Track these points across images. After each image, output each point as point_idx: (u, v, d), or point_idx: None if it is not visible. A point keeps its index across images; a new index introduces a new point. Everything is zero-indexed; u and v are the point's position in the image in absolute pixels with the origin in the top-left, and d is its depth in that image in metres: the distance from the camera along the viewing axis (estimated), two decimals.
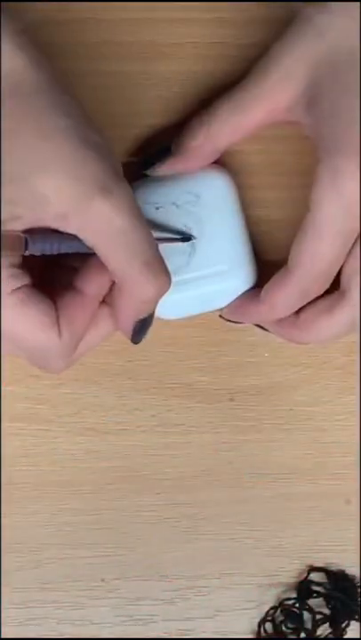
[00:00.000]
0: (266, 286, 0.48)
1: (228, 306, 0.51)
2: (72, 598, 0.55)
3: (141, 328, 0.46)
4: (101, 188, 0.41)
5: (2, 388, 0.53)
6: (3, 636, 0.54)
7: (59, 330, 0.44)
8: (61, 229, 0.42)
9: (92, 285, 0.45)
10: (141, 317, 0.45)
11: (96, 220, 0.42)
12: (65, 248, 0.43)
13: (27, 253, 0.42)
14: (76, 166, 0.41)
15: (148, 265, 0.43)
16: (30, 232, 0.42)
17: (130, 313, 0.45)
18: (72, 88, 0.44)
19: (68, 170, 0.41)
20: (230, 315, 0.51)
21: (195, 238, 0.50)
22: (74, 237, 0.42)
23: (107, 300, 0.46)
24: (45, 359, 0.44)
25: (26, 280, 0.43)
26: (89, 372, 0.53)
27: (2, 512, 0.54)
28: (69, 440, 0.54)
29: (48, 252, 0.43)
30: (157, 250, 0.44)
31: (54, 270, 0.46)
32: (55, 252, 0.43)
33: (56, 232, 0.42)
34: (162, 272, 0.44)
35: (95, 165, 0.42)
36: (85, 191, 0.41)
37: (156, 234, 0.49)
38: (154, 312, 0.46)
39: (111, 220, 0.42)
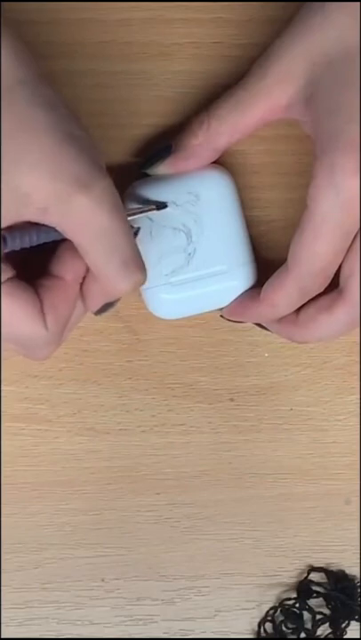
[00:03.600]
0: (265, 285, 0.48)
1: (229, 305, 0.51)
2: (72, 598, 0.54)
3: (107, 307, 0.46)
4: (81, 185, 0.41)
5: (2, 387, 0.53)
6: (3, 636, 0.54)
7: (44, 319, 0.44)
8: (40, 222, 0.42)
9: (70, 271, 0.45)
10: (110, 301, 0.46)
11: (75, 216, 0.41)
12: (43, 238, 0.43)
13: (6, 250, 0.42)
14: (57, 161, 0.41)
15: (125, 264, 0.43)
16: (8, 228, 0.42)
17: (100, 298, 0.46)
18: (62, 86, 0.43)
19: (49, 165, 0.41)
20: (230, 314, 0.51)
21: (169, 205, 0.50)
22: (51, 228, 0.42)
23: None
24: (33, 348, 0.45)
25: (10, 273, 0.43)
26: (89, 372, 0.53)
27: (2, 512, 0.54)
28: (69, 440, 0.54)
29: (27, 246, 0.43)
30: (135, 246, 0.43)
31: (33, 257, 0.46)
32: (34, 244, 0.43)
33: (33, 224, 0.42)
34: (138, 270, 0.43)
35: (76, 161, 0.41)
36: (65, 187, 0.41)
37: (132, 204, 0.49)
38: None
39: (90, 216, 0.42)
